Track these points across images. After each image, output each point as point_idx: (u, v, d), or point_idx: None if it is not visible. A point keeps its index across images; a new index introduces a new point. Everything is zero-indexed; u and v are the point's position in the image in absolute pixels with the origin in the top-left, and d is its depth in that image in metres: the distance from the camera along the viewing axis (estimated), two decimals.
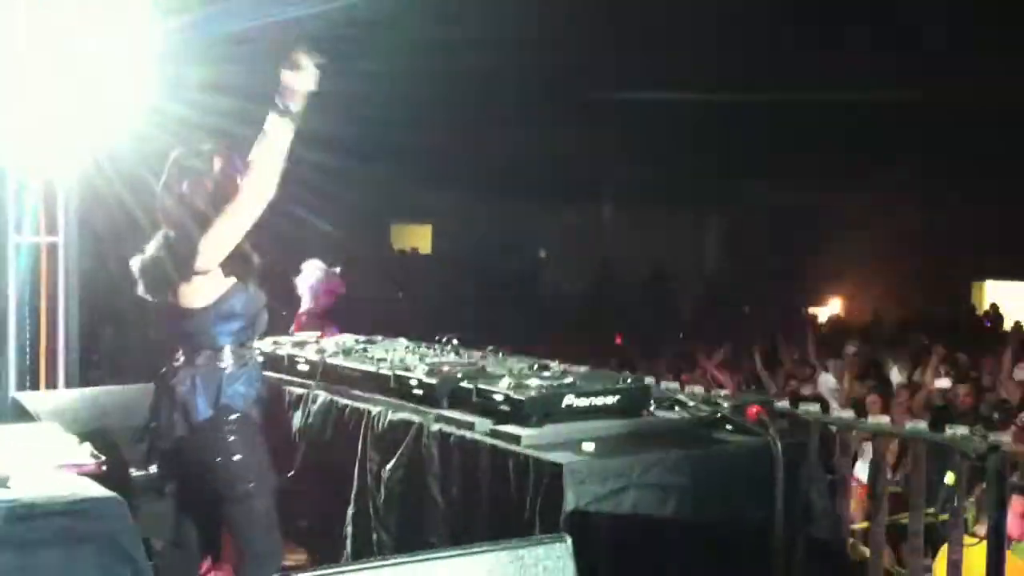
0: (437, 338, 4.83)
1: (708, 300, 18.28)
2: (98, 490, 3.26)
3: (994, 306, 17.83)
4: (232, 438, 3.64)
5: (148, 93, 5.27)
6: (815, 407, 5.22)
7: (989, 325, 16.56)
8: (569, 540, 2.61)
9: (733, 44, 14.44)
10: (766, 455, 3.65)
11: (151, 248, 3.74)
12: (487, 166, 16.45)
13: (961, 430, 4.43)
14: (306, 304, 6.27)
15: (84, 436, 3.74)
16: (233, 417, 3.65)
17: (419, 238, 19.57)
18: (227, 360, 3.65)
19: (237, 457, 3.64)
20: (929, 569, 5.03)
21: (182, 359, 3.69)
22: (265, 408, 3.90)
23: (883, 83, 14.47)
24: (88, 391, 5.03)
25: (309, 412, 4.34)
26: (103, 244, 6.60)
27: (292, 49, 3.55)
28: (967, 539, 4.45)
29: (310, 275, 6.30)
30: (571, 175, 17.58)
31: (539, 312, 15.57)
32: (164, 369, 3.76)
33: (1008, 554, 4.39)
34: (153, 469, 4.14)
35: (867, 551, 4.93)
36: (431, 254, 19.37)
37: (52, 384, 5.74)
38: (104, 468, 3.49)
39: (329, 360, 4.50)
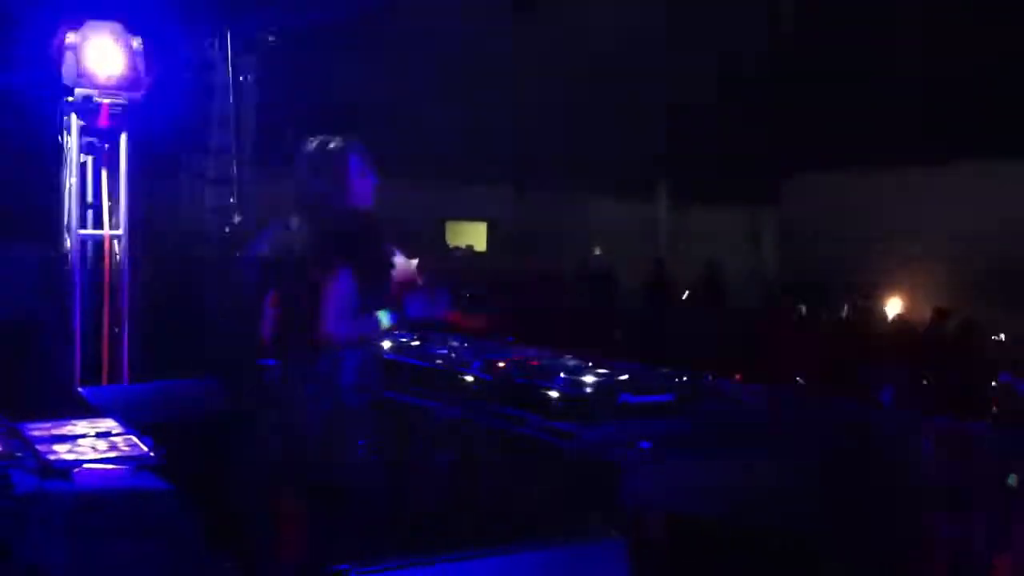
0: (491, 335, 4.83)
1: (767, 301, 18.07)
2: (159, 483, 3.31)
3: None
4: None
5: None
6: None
7: None
8: (624, 540, 2.59)
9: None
10: (823, 454, 3.60)
11: None
12: (542, 164, 16.45)
13: None
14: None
15: (146, 429, 3.80)
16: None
17: (474, 235, 19.60)
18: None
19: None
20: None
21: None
22: None
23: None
24: (150, 385, 5.10)
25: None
26: (165, 239, 6.70)
27: None
28: None
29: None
30: (625, 172, 17.51)
31: (599, 310, 15.51)
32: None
33: None
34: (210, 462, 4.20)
35: None
36: (485, 251, 19.40)
37: (115, 378, 5.84)
38: (165, 461, 3.53)
39: (385, 356, 4.51)
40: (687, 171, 17.41)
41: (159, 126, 6.06)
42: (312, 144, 3.79)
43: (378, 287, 3.76)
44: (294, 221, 3.75)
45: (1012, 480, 4.20)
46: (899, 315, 12.74)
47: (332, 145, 3.77)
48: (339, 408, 3.61)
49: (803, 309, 12.57)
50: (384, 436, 4.31)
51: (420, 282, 5.98)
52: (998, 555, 3.58)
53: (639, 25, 15.20)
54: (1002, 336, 10.68)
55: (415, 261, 6.17)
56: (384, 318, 3.71)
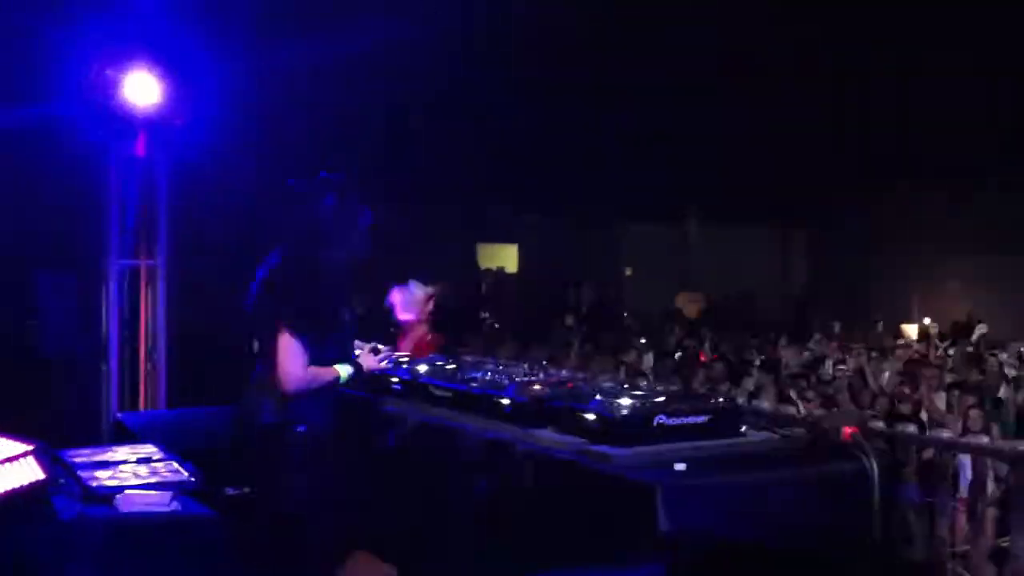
0: (525, 359, 4.84)
1: (797, 319, 17.99)
2: (200, 508, 3.34)
3: None
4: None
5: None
6: (912, 427, 5.12)
7: None
8: (663, 565, 2.59)
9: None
10: (862, 477, 3.58)
11: None
12: (570, 186, 16.48)
13: None
14: (409, 319, 6.33)
15: (183, 455, 3.84)
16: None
17: (505, 258, 19.65)
18: None
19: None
20: None
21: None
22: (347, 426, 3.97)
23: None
24: (186, 410, 5.15)
25: (401, 431, 4.38)
26: (200, 266, 6.77)
27: None
28: None
29: (412, 294, 6.35)
30: (653, 195, 17.50)
31: (621, 331, 15.50)
32: None
33: None
34: (247, 488, 4.23)
35: (967, 575, 4.81)
36: (516, 273, 19.44)
37: (152, 403, 5.90)
38: (202, 487, 3.57)
39: (421, 380, 4.54)
40: None
41: (197, 155, 6.14)
42: (297, 183, 3.85)
43: (335, 342, 3.85)
44: (274, 265, 3.83)
45: None
46: None
47: (312, 184, 3.83)
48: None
49: None
50: (419, 460, 4.34)
51: (429, 310, 6.04)
52: None
53: None
54: None
55: (429, 290, 6.23)
56: (343, 371, 3.82)
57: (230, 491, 4.40)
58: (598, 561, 3.35)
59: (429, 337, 6.14)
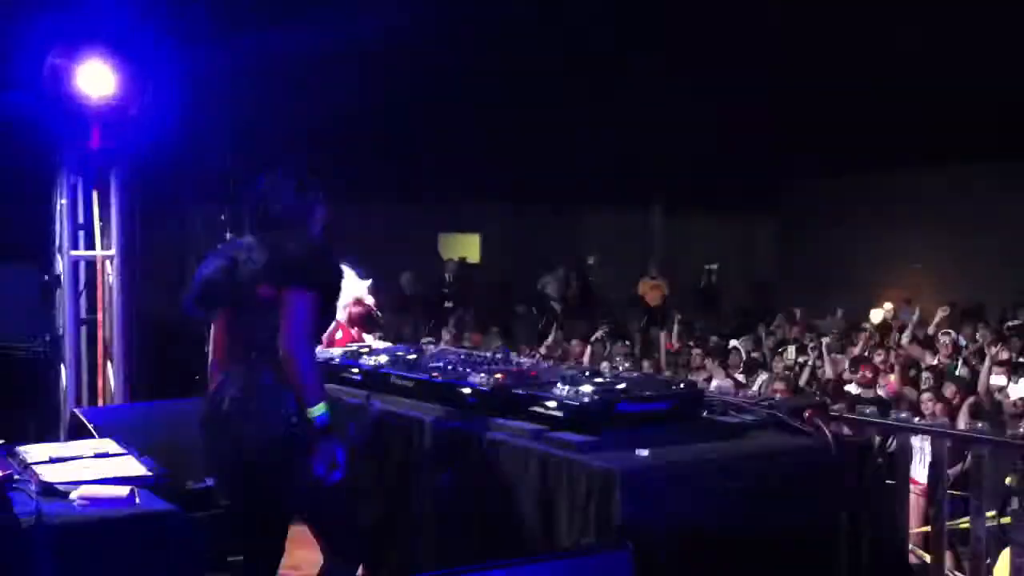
0: (488, 347, 4.84)
1: (758, 305, 18.11)
2: (159, 503, 3.31)
3: None
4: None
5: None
6: (871, 410, 5.17)
7: None
8: (630, 548, 2.60)
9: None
10: (824, 459, 3.61)
11: None
12: (534, 173, 16.47)
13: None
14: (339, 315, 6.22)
15: (142, 449, 3.79)
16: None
17: (467, 247, 19.60)
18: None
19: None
20: (991, 573, 4.95)
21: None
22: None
23: None
24: (144, 405, 5.10)
25: (363, 422, 4.36)
26: (158, 259, 6.71)
27: None
28: None
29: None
30: (619, 180, 17.53)
31: (586, 318, 15.54)
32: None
33: None
34: (210, 481, 4.19)
35: (927, 556, 4.86)
36: (479, 263, 19.42)
37: (109, 398, 5.83)
38: (162, 481, 3.53)
39: (382, 370, 4.52)
40: None
41: (151, 146, 6.07)
42: (273, 170, 3.83)
43: (328, 316, 3.82)
44: (247, 242, 3.76)
45: (1011, 481, 4.22)
46: None
47: (289, 172, 3.81)
48: (288, 430, 3.58)
49: None
50: (382, 451, 4.32)
51: (371, 303, 5.95)
52: None
53: None
54: None
55: (368, 282, 6.15)
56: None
57: (193, 485, 4.36)
58: (563, 548, 3.35)
59: (339, 336, 6.03)
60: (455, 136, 14.78)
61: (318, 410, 3.54)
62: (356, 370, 4.65)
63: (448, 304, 16.02)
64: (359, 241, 7.49)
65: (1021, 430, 4.31)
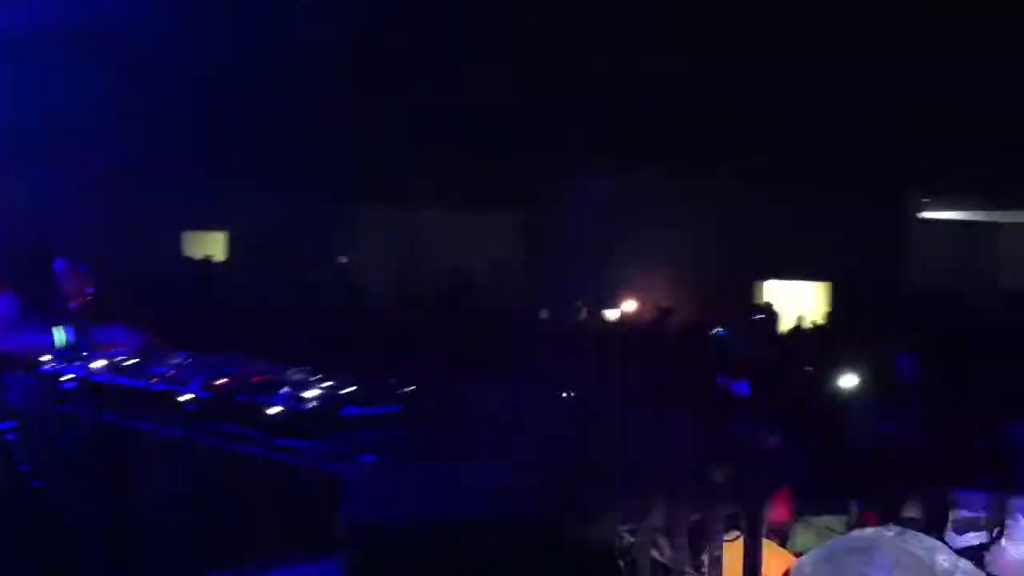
0: (219, 351, 4.66)
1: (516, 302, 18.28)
2: None
3: None
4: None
5: None
6: None
7: None
8: (341, 556, 2.55)
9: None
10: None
11: None
12: (286, 166, 15.97)
13: None
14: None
15: None
16: None
17: (213, 246, 18.92)
18: None
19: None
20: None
21: None
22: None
23: None
24: None
25: (75, 435, 4.12)
26: None
27: None
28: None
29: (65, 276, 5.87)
30: (378, 176, 17.25)
31: (340, 321, 15.30)
32: None
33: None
34: None
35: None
36: (226, 262, 18.76)
37: None
38: None
39: (96, 377, 4.28)
40: None
41: None
42: None
43: (45, 302, 3.65)
44: None
45: None
46: None
47: None
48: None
49: None
50: (100, 459, 4.08)
51: (89, 290, 5.66)
52: None
53: None
54: None
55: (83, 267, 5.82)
56: (59, 335, 3.60)
57: None
58: (285, 554, 3.26)
59: None
60: (200, 124, 14.11)
61: (60, 339, 3.47)
62: (68, 377, 4.37)
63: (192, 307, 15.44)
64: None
65: None
